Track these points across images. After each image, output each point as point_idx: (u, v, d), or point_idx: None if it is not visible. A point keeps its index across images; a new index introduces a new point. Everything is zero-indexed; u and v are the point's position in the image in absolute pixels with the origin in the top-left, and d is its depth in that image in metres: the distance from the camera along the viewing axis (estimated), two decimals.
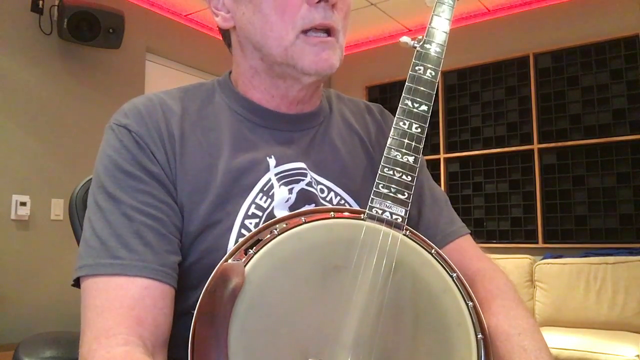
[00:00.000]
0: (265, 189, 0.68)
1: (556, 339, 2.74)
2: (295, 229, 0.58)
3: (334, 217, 0.60)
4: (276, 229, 0.58)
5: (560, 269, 3.24)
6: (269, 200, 0.68)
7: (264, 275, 0.55)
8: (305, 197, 0.70)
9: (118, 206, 0.62)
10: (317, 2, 0.66)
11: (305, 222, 0.59)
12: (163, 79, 3.62)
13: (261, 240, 0.58)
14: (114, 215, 0.61)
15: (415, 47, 0.71)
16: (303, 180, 0.71)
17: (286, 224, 0.59)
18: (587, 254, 3.29)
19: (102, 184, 0.64)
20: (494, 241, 3.72)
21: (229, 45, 0.78)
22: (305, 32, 0.66)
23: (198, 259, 0.64)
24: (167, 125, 0.68)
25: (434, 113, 3.43)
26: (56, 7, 2.96)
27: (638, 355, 2.50)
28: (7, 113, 2.80)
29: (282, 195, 0.69)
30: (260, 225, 0.61)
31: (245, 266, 0.55)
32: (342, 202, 0.73)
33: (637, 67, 3.35)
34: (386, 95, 4.30)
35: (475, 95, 3.93)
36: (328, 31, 0.68)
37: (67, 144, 3.01)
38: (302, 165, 0.72)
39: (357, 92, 4.35)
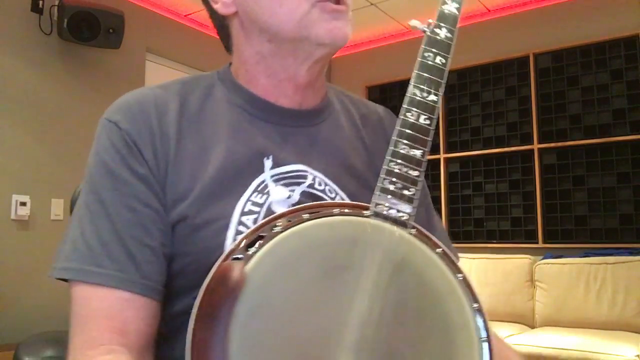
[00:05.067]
0: (259, 188, 0.67)
1: (556, 339, 2.74)
2: (297, 227, 0.56)
3: (337, 214, 0.59)
4: (277, 226, 0.56)
5: (560, 269, 3.24)
6: (265, 196, 0.67)
7: (265, 275, 0.53)
8: (308, 198, 0.68)
9: (105, 210, 0.62)
10: None
11: (308, 219, 0.57)
12: (163, 79, 3.59)
13: (262, 237, 0.56)
14: (101, 220, 0.62)
15: (424, 32, 0.67)
16: (304, 182, 0.69)
17: (288, 220, 0.57)
18: (587, 254, 3.29)
19: (93, 184, 0.64)
20: (494, 241, 3.72)
21: (227, 37, 0.76)
22: (319, 1, 0.66)
23: (196, 258, 0.63)
24: (160, 123, 0.67)
25: None
26: (56, 7, 2.96)
27: (638, 355, 2.49)
28: (7, 113, 2.79)
29: (281, 193, 0.67)
30: (261, 221, 0.59)
31: (245, 265, 0.53)
32: None
33: (637, 67, 3.35)
34: (386, 95, 4.29)
35: (475, 95, 3.92)
36: (338, 2, 0.67)
37: (67, 144, 3.00)
38: (301, 167, 0.70)
39: (357, 92, 4.32)
